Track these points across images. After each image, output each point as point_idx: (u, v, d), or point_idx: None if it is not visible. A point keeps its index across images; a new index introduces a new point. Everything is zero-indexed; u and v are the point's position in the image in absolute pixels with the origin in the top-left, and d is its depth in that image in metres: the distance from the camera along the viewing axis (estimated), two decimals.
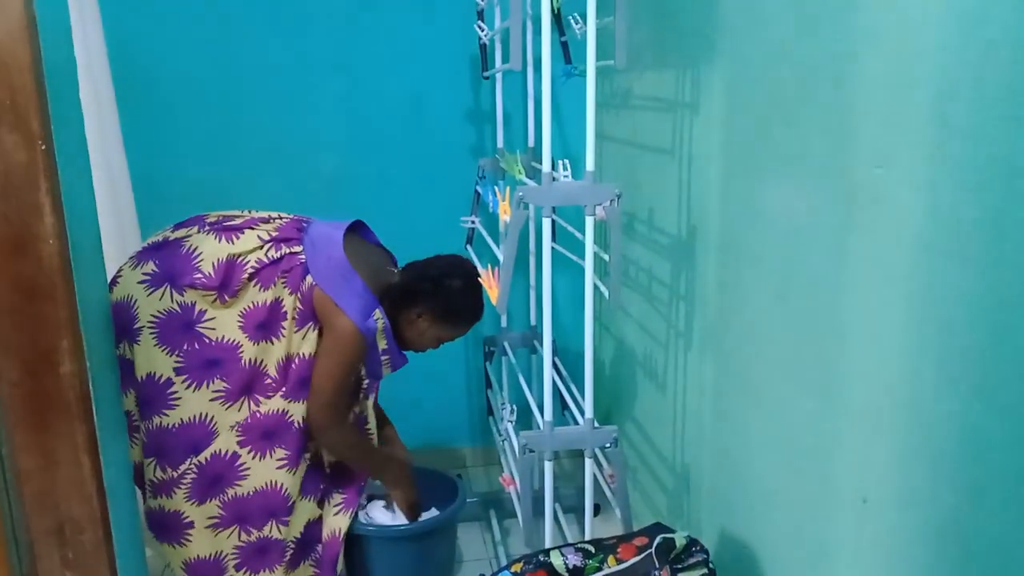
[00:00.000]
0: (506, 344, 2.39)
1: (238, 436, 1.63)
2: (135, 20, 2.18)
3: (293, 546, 1.72)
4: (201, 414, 1.60)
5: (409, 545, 1.89)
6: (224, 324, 1.59)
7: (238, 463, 1.63)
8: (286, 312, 1.62)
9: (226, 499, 1.64)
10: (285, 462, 1.66)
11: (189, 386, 1.59)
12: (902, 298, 1.01)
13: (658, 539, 1.49)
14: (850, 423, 1.15)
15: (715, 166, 1.60)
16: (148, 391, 1.59)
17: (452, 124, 2.43)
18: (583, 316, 1.62)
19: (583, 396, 1.69)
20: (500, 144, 2.27)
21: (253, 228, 1.65)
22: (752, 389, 1.50)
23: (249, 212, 1.73)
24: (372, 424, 1.86)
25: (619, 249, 1.56)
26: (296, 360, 1.64)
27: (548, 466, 1.68)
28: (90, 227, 1.28)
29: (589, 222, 1.55)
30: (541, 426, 1.67)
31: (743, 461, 1.55)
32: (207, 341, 1.59)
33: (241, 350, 1.59)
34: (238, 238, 1.62)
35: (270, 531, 1.68)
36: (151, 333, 1.57)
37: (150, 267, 1.58)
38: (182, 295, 1.57)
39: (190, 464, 1.61)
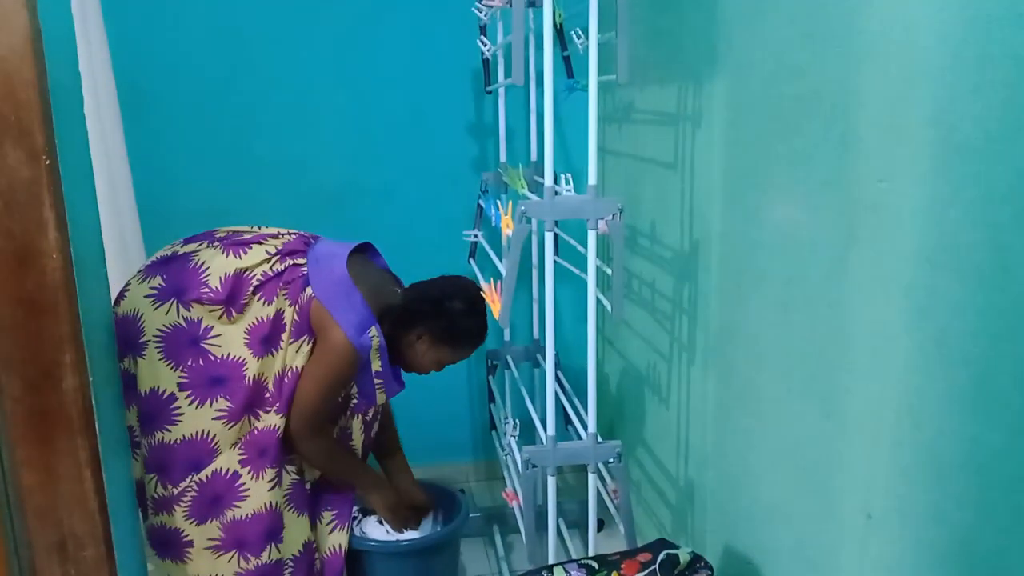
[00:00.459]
0: (509, 358, 2.39)
1: (240, 454, 1.61)
2: (139, 35, 2.19)
3: (292, 565, 1.71)
4: (203, 431, 1.59)
5: (412, 560, 1.88)
6: (230, 341, 1.59)
7: (238, 483, 1.62)
8: (285, 324, 1.62)
9: (226, 521, 1.62)
10: (275, 481, 1.64)
11: (192, 402, 1.58)
12: (905, 312, 1.01)
13: (662, 555, 1.48)
14: (853, 438, 1.15)
15: (717, 180, 1.60)
16: (151, 406, 1.58)
17: (455, 138, 2.44)
18: (585, 330, 1.61)
19: (586, 410, 1.69)
20: (503, 158, 2.28)
21: (261, 243, 1.65)
22: (755, 403, 1.49)
23: (259, 228, 1.73)
24: (356, 440, 1.82)
25: (621, 263, 1.56)
26: (289, 374, 1.62)
27: (551, 481, 1.67)
28: (93, 242, 1.28)
29: (591, 236, 1.55)
30: (544, 441, 1.67)
31: (747, 476, 1.55)
32: (212, 358, 1.58)
33: (245, 367, 1.59)
34: (246, 252, 1.62)
35: (268, 555, 1.65)
36: (157, 347, 1.56)
37: (157, 281, 1.58)
38: (188, 310, 1.57)
39: (190, 481, 1.60)
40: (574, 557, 1.58)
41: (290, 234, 1.73)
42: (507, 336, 2.41)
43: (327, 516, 1.79)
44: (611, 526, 2.07)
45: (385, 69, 2.35)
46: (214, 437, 1.60)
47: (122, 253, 1.94)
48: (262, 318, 1.60)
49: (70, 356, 1.16)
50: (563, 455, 1.65)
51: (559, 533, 1.94)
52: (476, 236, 2.23)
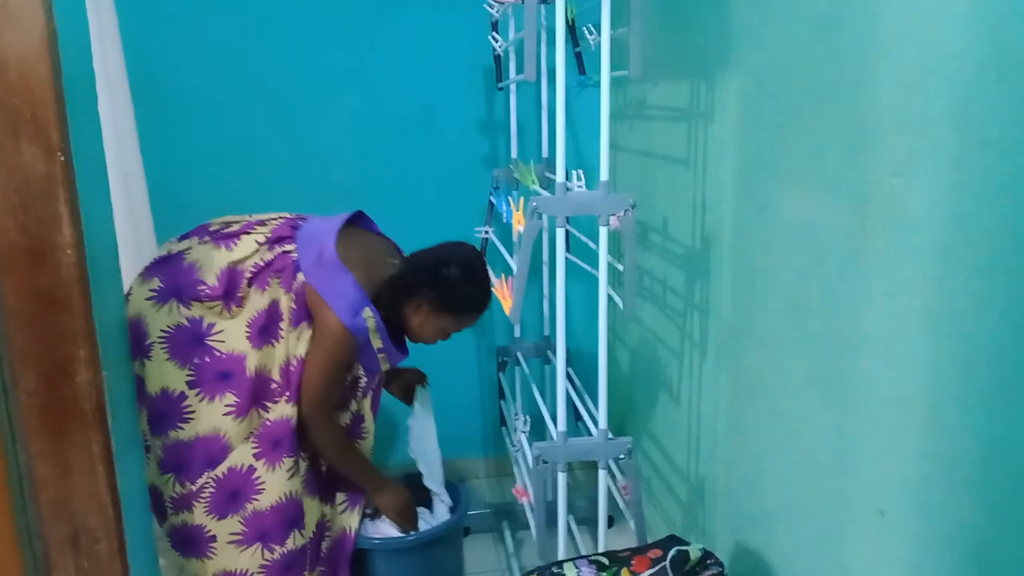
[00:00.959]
0: (519, 354, 2.39)
1: (254, 447, 1.62)
2: (153, 32, 2.20)
3: (310, 547, 1.72)
4: (215, 428, 1.60)
5: (415, 556, 1.87)
6: (232, 336, 1.59)
7: (254, 476, 1.62)
8: (282, 313, 1.62)
9: (247, 515, 1.63)
10: (293, 470, 1.65)
11: (202, 399, 1.59)
12: (921, 308, 1.00)
13: (673, 551, 1.47)
14: (867, 434, 1.14)
15: (729, 175, 1.60)
16: (163, 406, 1.59)
17: (466, 135, 2.44)
18: (596, 326, 1.61)
19: (597, 407, 1.68)
20: (514, 154, 2.28)
21: (249, 233, 1.65)
22: (768, 400, 1.49)
23: (249, 216, 1.73)
24: (368, 423, 1.83)
25: (634, 259, 1.56)
26: (294, 362, 1.63)
27: (562, 477, 1.67)
28: (107, 238, 1.29)
29: (603, 232, 1.55)
30: (555, 437, 1.67)
31: (759, 473, 1.54)
32: (217, 354, 1.59)
33: (246, 360, 1.59)
34: (235, 244, 1.62)
35: (293, 542, 1.67)
36: (163, 348, 1.57)
37: (156, 283, 1.59)
38: (189, 308, 1.58)
39: (207, 478, 1.61)
40: (584, 553, 1.58)
41: (278, 218, 1.72)
42: (517, 332, 2.41)
43: (340, 497, 1.80)
44: (620, 522, 2.07)
45: (397, 65, 2.35)
46: (226, 433, 1.60)
47: (135, 249, 1.95)
48: (259, 308, 1.60)
49: (84, 351, 1.17)
50: (574, 451, 1.65)
51: (569, 529, 1.94)
52: (487, 232, 2.22)
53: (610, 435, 1.66)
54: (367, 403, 1.81)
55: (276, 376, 1.63)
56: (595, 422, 1.70)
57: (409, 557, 1.88)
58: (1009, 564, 0.88)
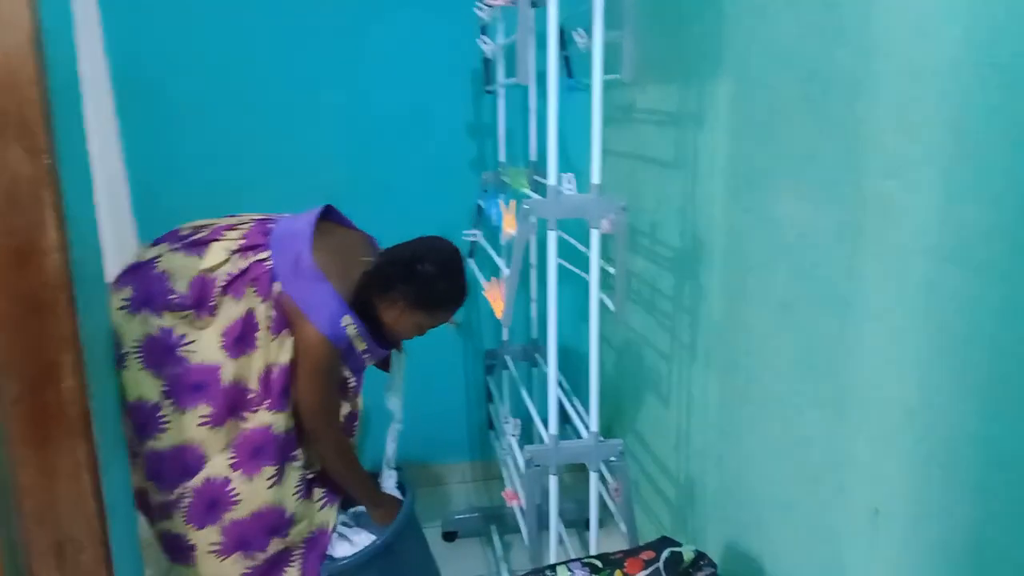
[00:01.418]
0: (507, 358, 2.38)
1: (231, 458, 1.59)
2: (136, 31, 2.17)
3: (303, 546, 1.70)
4: (190, 439, 1.58)
5: (380, 562, 1.79)
6: (205, 346, 1.57)
7: (228, 488, 1.60)
8: (258, 322, 1.59)
9: (225, 524, 1.60)
10: (275, 479, 1.62)
11: (176, 410, 1.57)
12: (915, 309, 1.00)
13: (665, 553, 1.47)
14: (861, 435, 1.15)
15: (720, 178, 1.60)
16: (139, 416, 1.56)
17: (453, 137, 2.43)
18: (584, 328, 1.61)
19: (586, 409, 1.68)
20: (502, 158, 2.27)
21: (219, 239, 1.62)
22: (759, 401, 1.49)
23: (218, 220, 1.70)
24: (360, 420, 1.82)
25: (625, 262, 1.56)
26: (276, 370, 1.60)
27: (553, 480, 1.67)
28: (91, 241, 1.27)
29: (594, 235, 1.55)
30: (546, 440, 1.66)
31: (750, 474, 1.54)
32: (189, 365, 1.56)
33: (221, 371, 1.57)
34: (205, 252, 1.60)
35: (275, 547, 1.65)
36: (137, 358, 1.55)
37: (127, 292, 1.56)
38: (160, 318, 1.55)
39: (184, 488, 1.59)
40: (574, 556, 1.58)
41: (248, 221, 1.68)
42: (505, 335, 2.40)
43: (318, 492, 1.76)
44: (609, 525, 2.07)
45: (385, 67, 2.34)
46: (201, 443, 1.58)
47: (118, 253, 1.93)
48: (234, 318, 1.58)
49: (69, 356, 1.15)
50: (565, 454, 1.65)
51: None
52: (476, 236, 2.22)
53: (600, 438, 1.66)
54: (360, 401, 1.80)
55: (254, 385, 1.60)
56: (585, 424, 1.70)
57: (374, 565, 1.82)
58: (1005, 563, 0.89)
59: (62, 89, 1.11)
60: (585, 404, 1.78)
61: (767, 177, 1.41)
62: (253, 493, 1.61)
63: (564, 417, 1.98)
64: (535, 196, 1.62)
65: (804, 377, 1.31)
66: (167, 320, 1.56)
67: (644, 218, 2.03)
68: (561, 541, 2.06)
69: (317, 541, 1.75)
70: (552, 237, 1.57)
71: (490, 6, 1.92)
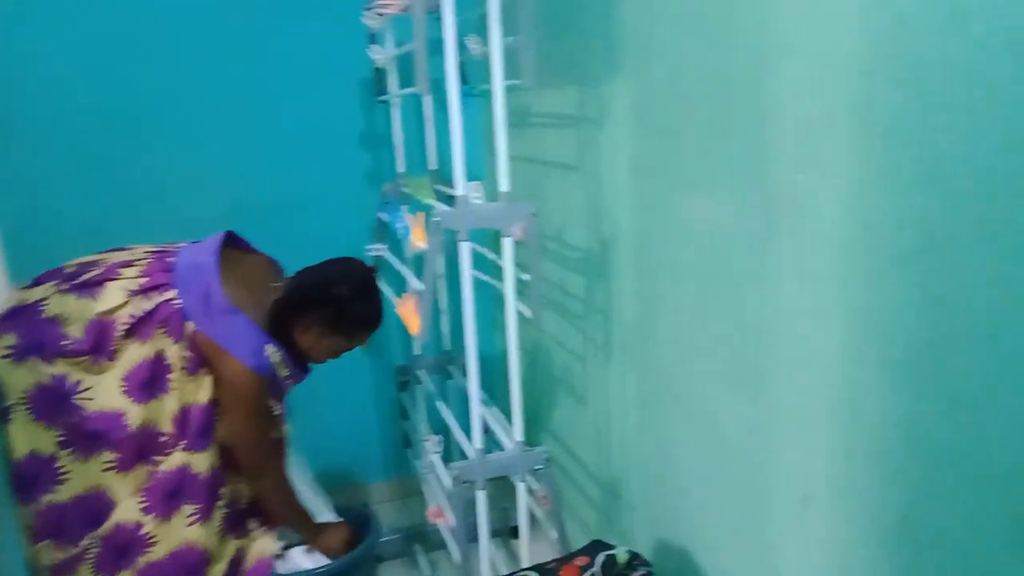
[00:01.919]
0: (420, 372, 2.33)
1: (141, 503, 1.51)
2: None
3: None
4: (96, 486, 1.48)
5: None
6: (104, 392, 1.47)
7: (142, 532, 1.51)
8: (170, 364, 1.51)
9: (140, 568, 1.51)
10: (196, 517, 1.55)
11: (76, 459, 1.47)
12: (831, 301, 1.04)
13: (601, 557, 1.47)
14: (787, 423, 1.18)
15: (625, 179, 1.62)
16: (33, 469, 1.45)
17: (347, 150, 2.36)
18: (493, 336, 1.59)
19: (507, 418, 1.67)
20: (400, 168, 2.22)
21: (115, 279, 1.51)
22: (680, 396, 1.51)
23: (108, 253, 1.59)
24: (287, 446, 1.76)
25: (539, 268, 1.55)
26: (193, 410, 1.53)
27: (481, 495, 1.64)
28: None
29: (507, 243, 1.53)
30: (470, 454, 1.63)
31: (676, 469, 1.57)
32: (86, 414, 1.46)
33: (127, 417, 1.47)
34: (100, 293, 1.49)
35: None
36: (25, 409, 1.43)
37: (11, 339, 1.44)
38: (52, 365, 1.44)
39: (91, 539, 1.49)
40: (505, 571, 1.56)
41: (144, 256, 1.58)
42: (418, 350, 2.35)
43: (252, 523, 1.70)
44: (534, 531, 2.06)
45: (271, 81, 2.24)
46: (108, 489, 1.49)
47: None
48: (138, 361, 1.48)
49: None
50: (491, 467, 1.63)
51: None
52: (380, 250, 2.16)
53: (525, 447, 1.64)
54: (285, 429, 1.74)
55: (166, 428, 1.52)
56: (508, 435, 1.68)
57: None
58: (935, 542, 0.93)
59: None
60: (504, 412, 1.76)
61: (674, 177, 1.43)
62: (170, 533, 1.53)
63: (484, 427, 1.96)
64: (441, 206, 1.58)
65: (724, 372, 1.34)
66: (60, 367, 1.44)
67: (550, 222, 2.03)
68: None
69: (258, 572, 1.67)
70: (465, 248, 1.54)
71: (380, 15, 1.87)
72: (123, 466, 1.49)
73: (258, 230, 2.27)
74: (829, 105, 0.99)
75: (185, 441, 1.52)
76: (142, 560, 1.52)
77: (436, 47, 1.53)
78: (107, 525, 1.49)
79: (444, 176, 2.22)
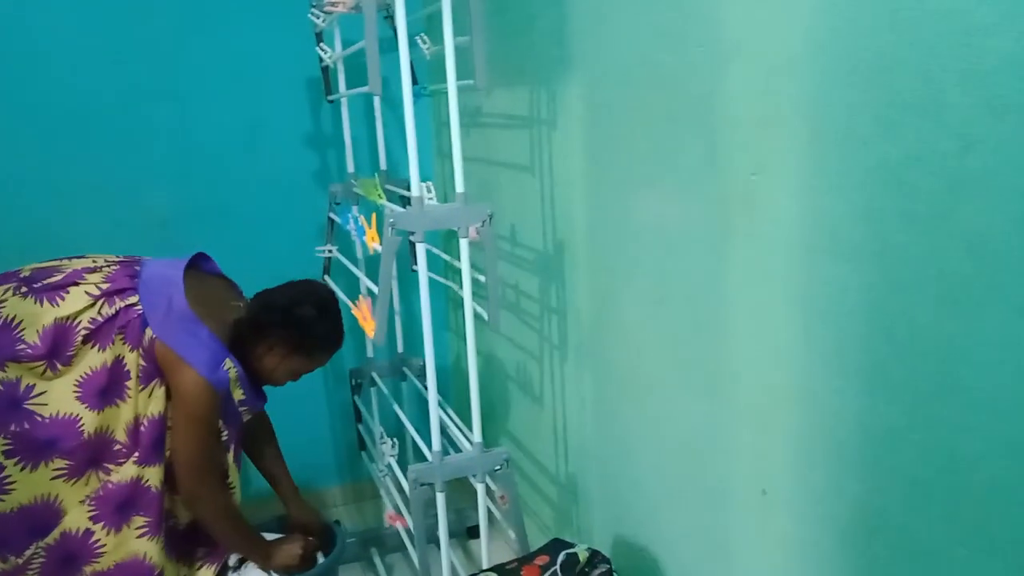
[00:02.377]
0: (374, 375, 2.31)
1: (90, 511, 1.46)
2: None
3: None
4: (43, 495, 1.43)
5: None
6: (58, 398, 1.42)
7: (92, 540, 1.47)
8: (129, 371, 1.47)
9: None
10: (146, 529, 1.50)
11: (24, 468, 1.41)
12: (785, 298, 1.06)
13: (561, 556, 1.48)
14: (744, 419, 1.20)
15: (579, 180, 1.63)
16: None
17: (295, 151, 2.32)
18: (445, 337, 1.58)
19: (463, 419, 1.66)
20: (350, 168, 2.19)
21: (79, 283, 1.48)
22: (636, 394, 1.53)
23: (69, 260, 1.55)
24: (233, 477, 1.68)
25: (496, 270, 1.55)
26: (145, 422, 1.49)
27: (440, 497, 1.63)
28: None
29: (464, 244, 1.53)
30: (429, 457, 1.62)
31: (633, 466, 1.58)
32: (39, 419, 1.41)
33: (81, 424, 1.43)
34: (63, 299, 1.45)
35: None
36: None
37: None
38: (3, 371, 1.40)
39: (36, 549, 1.44)
40: (463, 571, 1.55)
41: (108, 264, 1.55)
42: (371, 352, 2.32)
43: (199, 552, 1.65)
44: (491, 530, 2.06)
45: (213, 79, 2.18)
46: (57, 498, 1.44)
47: None
48: (95, 367, 1.44)
49: None
50: (450, 469, 1.62)
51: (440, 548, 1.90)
52: (330, 251, 2.13)
53: (484, 448, 1.64)
54: (229, 457, 1.65)
55: (121, 437, 1.47)
56: (466, 436, 1.67)
57: None
58: (892, 536, 0.95)
59: None
60: (459, 414, 1.75)
61: (628, 177, 1.44)
62: (119, 544, 1.49)
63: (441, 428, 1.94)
64: (395, 208, 1.57)
65: (681, 369, 1.36)
66: (11, 372, 1.40)
67: (503, 222, 2.03)
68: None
69: None
70: (421, 249, 1.53)
71: (328, 13, 1.84)
72: (74, 473, 1.45)
73: (199, 232, 2.23)
74: (781, 106, 1.01)
75: (138, 454, 1.48)
76: (88, 570, 1.47)
77: (383, 46, 1.51)
78: (54, 534, 1.45)
79: (394, 176, 2.20)
